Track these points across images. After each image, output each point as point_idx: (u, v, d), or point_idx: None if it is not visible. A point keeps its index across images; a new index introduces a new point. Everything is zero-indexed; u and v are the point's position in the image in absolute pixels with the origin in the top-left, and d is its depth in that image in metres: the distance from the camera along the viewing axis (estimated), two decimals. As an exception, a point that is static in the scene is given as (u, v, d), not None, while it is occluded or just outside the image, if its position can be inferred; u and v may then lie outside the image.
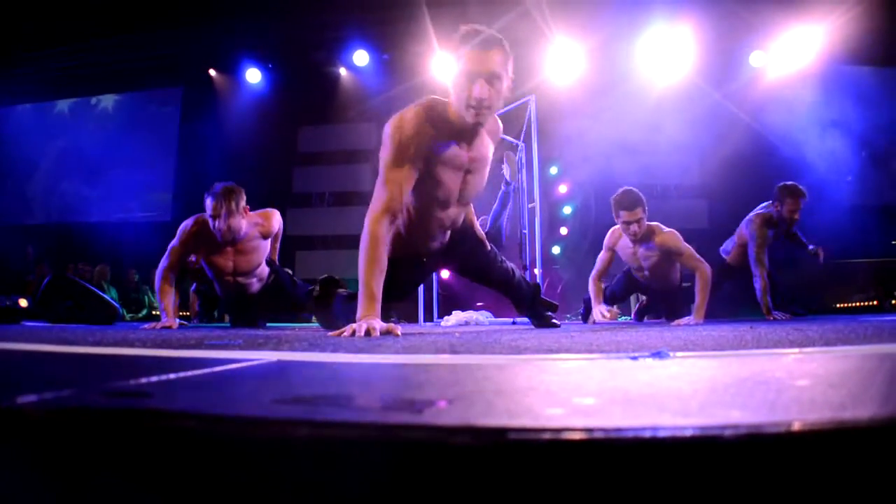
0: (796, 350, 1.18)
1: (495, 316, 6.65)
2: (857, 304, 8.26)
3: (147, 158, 11.03)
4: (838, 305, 8.37)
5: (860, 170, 8.91)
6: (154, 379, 0.75)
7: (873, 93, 8.79)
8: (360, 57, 9.98)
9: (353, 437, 0.45)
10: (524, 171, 7.05)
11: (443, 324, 5.73)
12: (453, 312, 5.84)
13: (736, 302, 6.13)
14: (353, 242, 10.17)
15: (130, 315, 9.60)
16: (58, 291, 5.20)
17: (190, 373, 0.85)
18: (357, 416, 0.51)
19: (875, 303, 8.06)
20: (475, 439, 0.43)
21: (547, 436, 0.43)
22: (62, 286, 5.23)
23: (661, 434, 0.43)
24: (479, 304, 6.87)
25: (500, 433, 0.44)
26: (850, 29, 8.40)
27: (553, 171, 9.38)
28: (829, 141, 8.79)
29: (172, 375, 0.80)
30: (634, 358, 1.04)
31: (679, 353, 1.11)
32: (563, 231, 9.57)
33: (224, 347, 1.50)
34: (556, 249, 9.62)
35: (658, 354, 1.06)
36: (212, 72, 10.79)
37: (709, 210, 9.51)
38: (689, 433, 0.43)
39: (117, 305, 5.49)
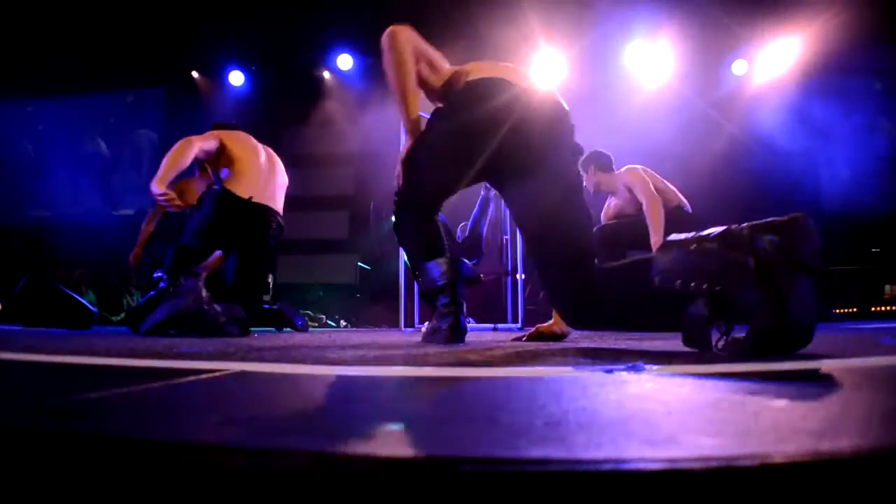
0: (776, 366, 1.15)
1: (476, 322, 6.62)
2: (838, 311, 8.31)
3: (128, 159, 10.92)
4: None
5: (842, 177, 8.97)
6: (102, 394, 0.71)
7: (854, 101, 8.85)
8: (344, 61, 9.93)
9: (292, 466, 0.41)
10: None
11: (423, 330, 5.68)
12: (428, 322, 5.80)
13: None
14: (334, 247, 10.18)
15: (116, 318, 9.50)
16: (33, 294, 5.12)
17: (143, 386, 0.80)
18: (300, 444, 0.48)
19: (855, 310, 8.11)
20: (421, 473, 0.40)
21: (501, 468, 0.40)
22: (38, 289, 5.15)
23: (624, 467, 0.39)
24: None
25: (450, 465, 0.40)
26: (831, 37, 8.46)
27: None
28: (811, 148, 8.84)
29: (125, 389, 0.76)
30: (609, 371, 1.01)
31: (655, 368, 1.07)
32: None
33: (190, 357, 1.45)
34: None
35: (633, 368, 1.03)
36: (194, 73, 10.70)
37: (692, 217, 9.53)
38: (654, 466, 0.39)
39: (93, 309, 5.40)
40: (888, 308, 8.03)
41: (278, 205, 4.35)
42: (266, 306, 5.29)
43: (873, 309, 7.97)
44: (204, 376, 0.94)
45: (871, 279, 8.55)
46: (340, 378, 1.02)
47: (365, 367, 1.20)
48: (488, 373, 1.08)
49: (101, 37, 9.49)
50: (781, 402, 0.64)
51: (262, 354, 1.57)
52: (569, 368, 1.13)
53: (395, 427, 0.52)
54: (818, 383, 0.84)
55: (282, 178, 4.45)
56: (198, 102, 10.67)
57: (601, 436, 0.48)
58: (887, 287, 8.51)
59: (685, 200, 5.15)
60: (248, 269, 4.18)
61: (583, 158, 2.58)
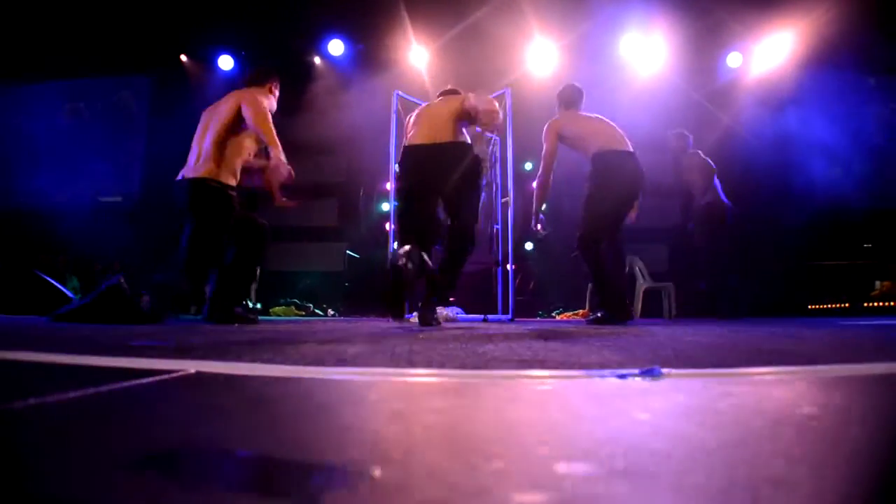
0: (800, 368, 1.04)
1: (466, 312, 6.51)
2: (829, 305, 8.28)
3: (114, 144, 10.71)
4: (811, 307, 8.40)
5: (834, 172, 8.91)
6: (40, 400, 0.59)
7: (848, 96, 8.79)
8: (336, 46, 9.75)
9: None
10: (497, 165, 6.91)
11: (412, 320, 5.57)
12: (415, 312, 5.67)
13: None
14: (323, 235, 10.05)
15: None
16: (12, 281, 4.99)
17: (73, 393, 0.68)
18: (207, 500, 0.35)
19: (847, 305, 8.08)
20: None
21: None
22: (16, 276, 5.02)
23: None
24: (450, 298, 6.71)
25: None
26: (825, 31, 8.38)
27: (528, 166, 9.25)
28: (804, 142, 8.79)
29: (70, 394, 0.64)
30: (622, 376, 0.90)
31: (672, 371, 0.96)
32: (540, 228, 9.43)
33: (152, 353, 1.32)
34: (528, 245, 9.51)
35: (650, 373, 0.92)
36: (183, 57, 10.47)
37: (682, 208, 9.44)
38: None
39: (73, 297, 5.26)
40: (880, 304, 8.00)
41: (200, 167, 4.02)
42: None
43: (865, 305, 7.93)
44: (157, 378, 0.82)
45: (862, 275, 8.53)
46: (305, 384, 0.89)
47: (342, 367, 1.07)
48: (478, 377, 0.97)
49: (88, 20, 9.27)
50: (811, 409, 0.52)
51: (227, 349, 1.43)
52: (576, 372, 1.00)
53: (368, 470, 0.40)
54: (851, 391, 0.73)
55: (213, 132, 4.10)
56: (186, 87, 10.44)
57: (649, 486, 0.36)
58: (877, 283, 8.49)
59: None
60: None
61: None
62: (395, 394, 0.76)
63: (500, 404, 0.67)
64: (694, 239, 6.59)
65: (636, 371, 0.94)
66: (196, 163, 4.01)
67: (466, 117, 3.84)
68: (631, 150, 4.69)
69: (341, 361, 1.16)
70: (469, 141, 3.93)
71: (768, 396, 0.72)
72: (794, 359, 1.25)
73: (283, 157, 3.84)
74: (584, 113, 4.94)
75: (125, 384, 0.76)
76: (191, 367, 0.98)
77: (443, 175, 3.66)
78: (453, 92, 4.31)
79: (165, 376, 0.86)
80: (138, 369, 0.94)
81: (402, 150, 3.94)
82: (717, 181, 6.47)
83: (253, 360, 1.15)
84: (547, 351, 1.45)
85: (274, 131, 3.92)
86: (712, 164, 6.46)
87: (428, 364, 1.12)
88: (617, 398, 0.70)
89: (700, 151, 6.56)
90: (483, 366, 1.10)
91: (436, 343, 1.82)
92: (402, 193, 3.91)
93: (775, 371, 0.99)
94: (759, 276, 8.39)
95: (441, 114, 3.86)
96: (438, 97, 4.28)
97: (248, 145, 4.18)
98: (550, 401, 0.68)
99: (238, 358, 1.20)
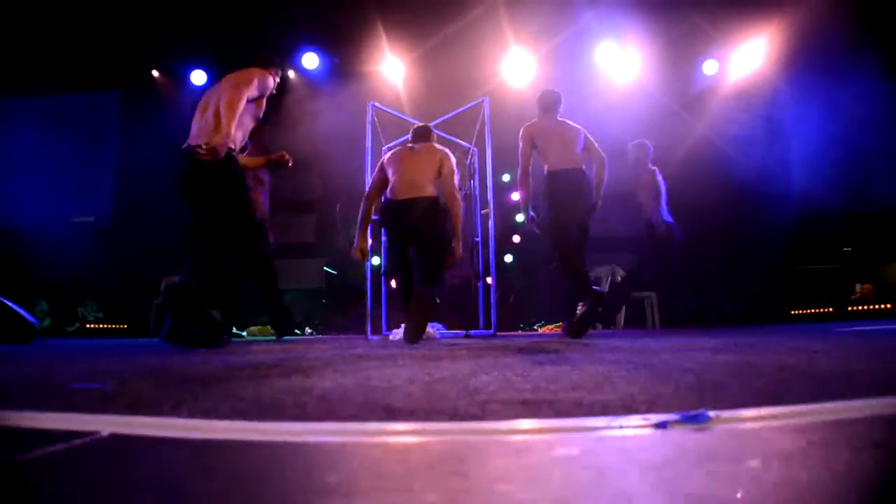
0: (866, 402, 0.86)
1: (446, 328, 6.33)
2: (813, 311, 8.23)
3: (84, 161, 10.43)
4: (794, 312, 8.34)
5: (812, 177, 8.89)
6: None
7: (825, 100, 8.77)
8: (310, 59, 9.58)
9: None
10: (476, 176, 6.78)
11: (391, 337, 5.38)
12: (402, 326, 5.46)
13: None
14: (301, 251, 9.82)
15: (71, 328, 9.11)
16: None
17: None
18: None
19: (830, 310, 8.04)
20: None
21: None
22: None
23: None
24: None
25: None
26: (801, 38, 8.38)
27: (506, 178, 9.12)
28: (782, 148, 8.77)
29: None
30: (661, 425, 0.71)
31: (723, 414, 0.75)
32: (516, 239, 9.30)
33: (72, 401, 1.11)
34: (508, 258, 9.35)
35: (695, 419, 0.73)
36: (154, 72, 10.23)
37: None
38: None
39: (35, 322, 5.00)
40: (863, 308, 7.96)
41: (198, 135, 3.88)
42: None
43: (849, 309, 7.89)
44: (53, 449, 0.63)
45: (843, 278, 8.52)
46: (249, 452, 0.69)
47: (300, 424, 0.86)
48: (474, 432, 0.78)
49: (57, 36, 9.02)
50: None
51: (167, 394, 1.17)
52: (598, 420, 0.80)
53: None
54: None
55: (210, 114, 3.93)
56: (157, 102, 10.19)
57: None
58: (858, 286, 8.47)
59: None
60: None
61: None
62: (365, 471, 0.58)
63: (515, 491, 0.49)
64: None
65: (675, 416, 0.75)
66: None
67: (440, 176, 4.50)
68: (580, 167, 4.88)
69: (302, 408, 0.97)
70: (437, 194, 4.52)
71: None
72: (858, 382, 1.09)
73: (226, 141, 3.64)
74: (557, 121, 5.04)
75: (25, 455, 0.57)
76: (107, 426, 0.77)
77: (418, 225, 4.32)
78: (426, 134, 4.86)
79: (66, 444, 0.66)
80: (41, 432, 0.75)
81: (384, 203, 4.55)
82: (664, 199, 6.42)
83: (190, 414, 0.93)
84: (547, 381, 1.26)
85: (234, 120, 3.71)
86: (662, 184, 6.47)
87: (411, 411, 0.93)
88: (673, 466, 0.52)
89: (656, 169, 6.51)
90: (479, 412, 0.91)
91: (417, 371, 1.62)
92: (390, 245, 4.75)
93: (850, 407, 0.82)
94: (740, 282, 8.33)
95: (419, 170, 4.48)
96: (413, 141, 4.82)
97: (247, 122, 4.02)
98: (584, 477, 0.51)
99: (174, 408, 0.98)
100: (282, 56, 4.59)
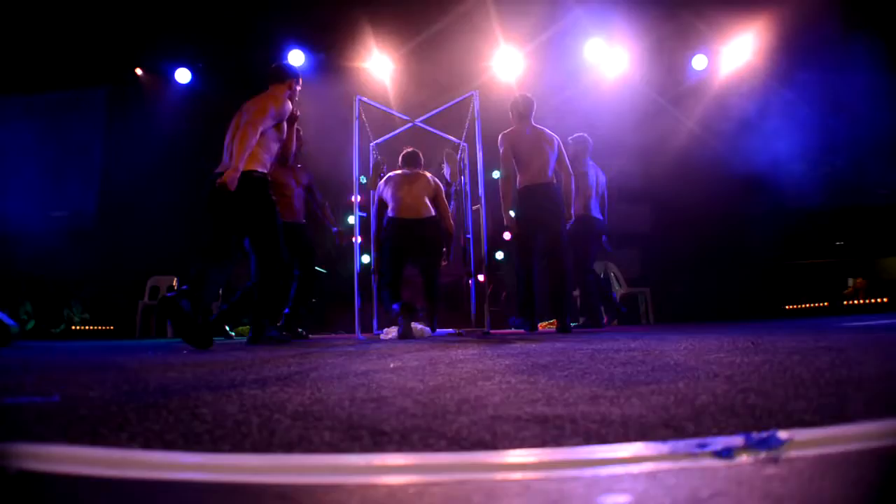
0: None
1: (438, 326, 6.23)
2: (807, 305, 8.19)
3: (69, 159, 10.27)
4: (788, 307, 8.30)
5: (804, 171, 8.85)
6: None
7: (815, 94, 8.74)
8: (296, 57, 9.46)
9: None
10: (467, 171, 6.70)
11: (382, 337, 5.29)
12: (394, 326, 5.38)
13: None
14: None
15: (56, 329, 8.97)
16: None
17: None
18: None
19: (826, 304, 7.99)
20: None
21: None
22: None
23: None
24: (419, 314, 6.44)
25: None
26: (790, 32, 8.35)
27: (496, 174, 9.06)
28: (773, 143, 8.72)
29: None
30: (725, 453, 0.57)
31: (796, 437, 0.60)
32: (507, 236, 9.24)
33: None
34: (499, 255, 9.28)
35: (765, 444, 0.59)
36: (138, 71, 10.08)
37: (651, 213, 9.32)
38: None
39: (12, 324, 4.88)
40: (859, 302, 7.92)
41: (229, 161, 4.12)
42: None
43: (845, 303, 7.85)
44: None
45: (835, 272, 8.49)
46: (206, 497, 0.56)
47: (265, 457, 0.73)
48: (495, 469, 0.64)
49: (40, 33, 8.87)
50: None
51: (117, 410, 1.03)
52: (638, 448, 0.67)
53: None
54: None
55: (233, 142, 4.17)
56: (142, 100, 10.05)
57: None
58: (850, 280, 8.44)
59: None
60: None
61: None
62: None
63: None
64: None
65: (738, 440, 0.60)
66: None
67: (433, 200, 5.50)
68: (551, 181, 5.30)
69: (270, 433, 0.83)
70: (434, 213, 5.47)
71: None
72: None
73: (235, 175, 3.90)
74: (533, 128, 5.38)
75: None
76: (21, 459, 0.64)
77: (421, 242, 5.38)
78: (415, 159, 5.75)
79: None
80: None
81: (389, 220, 5.43)
82: (594, 196, 6.38)
83: (130, 440, 0.79)
84: (560, 390, 1.12)
85: (244, 154, 3.99)
86: (595, 179, 6.46)
87: (403, 435, 0.80)
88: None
89: (591, 164, 6.49)
90: (488, 436, 0.78)
91: (410, 378, 1.48)
92: (391, 251, 5.39)
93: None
94: (732, 277, 8.28)
95: (418, 194, 5.44)
96: (404, 166, 5.70)
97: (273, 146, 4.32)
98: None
99: (118, 430, 0.83)
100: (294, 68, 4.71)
